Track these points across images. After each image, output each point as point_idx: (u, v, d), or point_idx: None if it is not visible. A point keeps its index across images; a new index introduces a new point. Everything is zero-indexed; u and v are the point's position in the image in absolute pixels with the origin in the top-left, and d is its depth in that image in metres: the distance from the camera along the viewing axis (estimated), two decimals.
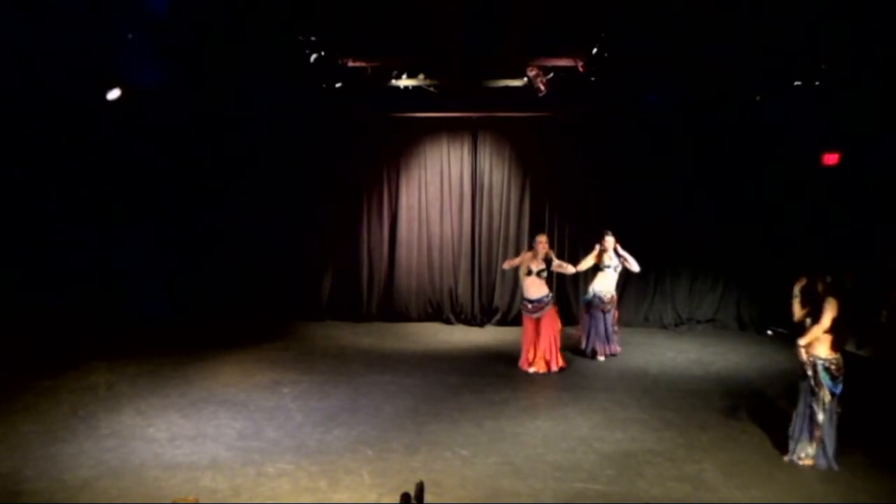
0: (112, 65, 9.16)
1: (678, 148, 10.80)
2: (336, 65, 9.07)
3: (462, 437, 6.65)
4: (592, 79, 9.07)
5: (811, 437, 5.97)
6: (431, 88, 10.04)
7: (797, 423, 6.07)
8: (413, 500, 3.68)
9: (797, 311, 6.33)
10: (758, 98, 9.96)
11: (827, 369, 5.86)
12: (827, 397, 5.88)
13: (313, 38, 8.56)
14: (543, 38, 8.35)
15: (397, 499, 3.69)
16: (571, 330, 10.04)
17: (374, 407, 7.42)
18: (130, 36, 8.77)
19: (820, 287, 6.00)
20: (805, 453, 6.00)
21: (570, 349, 9.63)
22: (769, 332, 10.70)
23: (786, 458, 6.12)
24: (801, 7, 7.58)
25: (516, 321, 11.02)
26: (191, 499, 4.36)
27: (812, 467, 5.97)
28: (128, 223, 11.07)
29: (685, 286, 11.20)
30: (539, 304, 8.64)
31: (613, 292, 9.31)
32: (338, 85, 9.49)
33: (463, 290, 11.46)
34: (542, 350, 8.68)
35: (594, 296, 9.21)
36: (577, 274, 9.51)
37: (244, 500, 5.39)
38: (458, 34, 7.89)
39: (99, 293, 10.64)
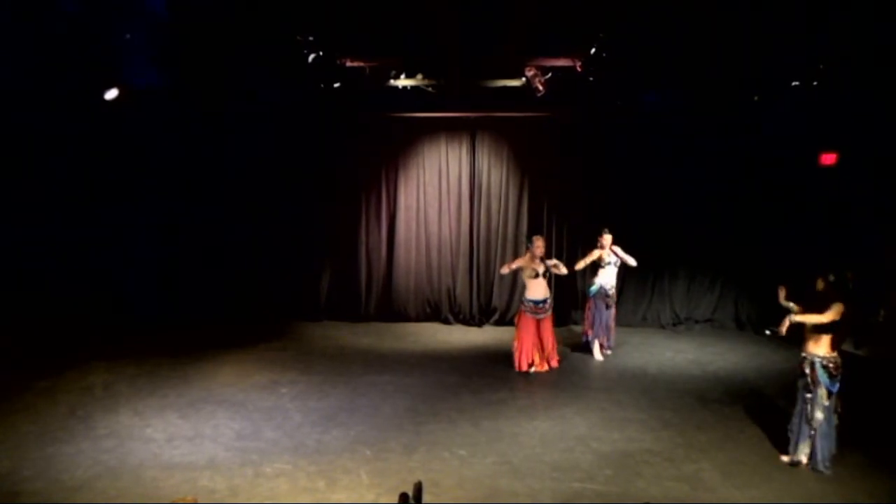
0: (110, 65, 9.16)
1: (676, 148, 10.80)
2: (334, 65, 9.07)
3: (460, 437, 6.65)
4: (591, 79, 9.08)
5: (808, 437, 5.97)
6: (430, 88, 10.04)
7: (796, 422, 6.07)
8: (411, 501, 3.68)
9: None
10: (756, 98, 9.97)
11: (825, 367, 5.86)
12: (825, 395, 5.88)
13: (311, 38, 8.56)
14: (542, 38, 8.36)
15: (395, 499, 3.69)
16: (576, 328, 10.07)
17: (372, 407, 7.43)
18: (129, 36, 8.77)
19: (821, 285, 5.97)
20: (805, 454, 6.00)
21: (572, 345, 9.66)
22: (767, 332, 10.70)
23: (785, 459, 6.12)
24: (799, 7, 7.59)
25: (514, 321, 11.05)
26: (189, 499, 4.36)
27: (810, 468, 5.98)
28: (126, 223, 11.06)
29: (683, 286, 11.21)
30: (543, 305, 8.68)
31: (615, 286, 9.45)
32: (336, 85, 9.49)
33: (461, 290, 11.46)
34: (547, 350, 8.76)
35: (600, 287, 9.32)
36: (572, 273, 9.54)
37: (242, 500, 5.39)
38: (456, 34, 7.89)
39: (97, 293, 10.64)
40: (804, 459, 6.00)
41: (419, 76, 9.70)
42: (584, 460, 6.14)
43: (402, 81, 9.77)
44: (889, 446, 6.42)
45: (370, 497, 5.45)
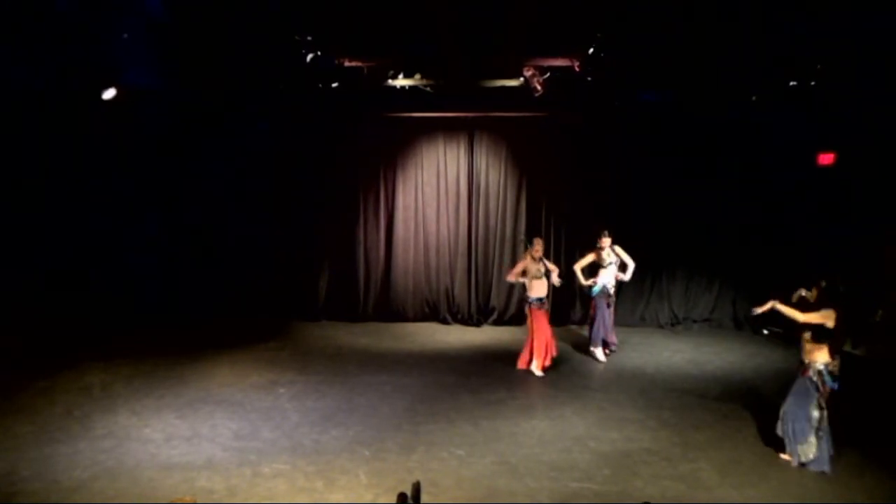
0: (108, 65, 9.15)
1: (674, 148, 10.81)
2: (332, 65, 9.07)
3: (458, 436, 6.65)
4: (589, 79, 9.08)
5: (815, 437, 5.98)
6: (428, 88, 10.03)
7: (796, 426, 6.06)
8: (409, 501, 3.69)
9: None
10: (754, 98, 9.98)
11: (830, 372, 5.97)
12: (826, 396, 5.96)
13: (309, 38, 8.56)
14: (540, 38, 8.36)
15: (394, 499, 3.69)
16: (573, 328, 10.06)
17: (370, 407, 7.42)
18: (126, 36, 8.76)
19: (814, 293, 6.09)
20: (812, 453, 5.99)
21: (572, 345, 9.64)
22: (765, 332, 10.73)
23: (785, 457, 6.11)
24: (797, 7, 7.60)
25: (513, 321, 11.07)
26: (187, 499, 4.36)
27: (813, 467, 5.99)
28: (124, 223, 11.04)
29: (681, 286, 11.22)
30: (545, 301, 8.69)
31: (614, 285, 9.47)
32: (334, 85, 9.49)
33: (459, 290, 11.46)
34: (552, 347, 8.73)
35: (603, 286, 9.33)
36: (568, 273, 9.55)
37: (240, 501, 5.39)
38: (454, 34, 7.89)
39: (95, 293, 10.62)
40: (812, 456, 5.98)
41: (417, 76, 9.69)
42: (582, 460, 6.15)
43: (401, 81, 9.77)
44: (886, 446, 6.43)
45: (368, 497, 5.45)
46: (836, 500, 5.48)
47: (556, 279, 8.66)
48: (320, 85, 9.55)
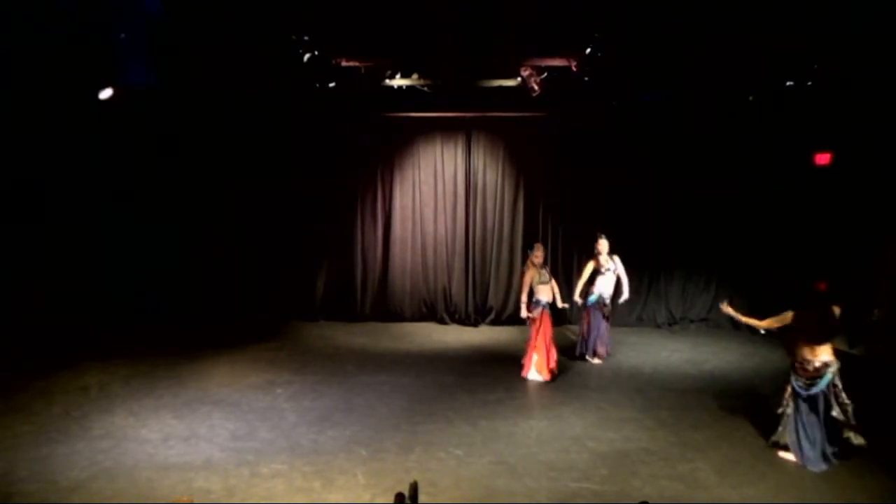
0: (105, 64, 9.14)
1: (671, 148, 10.82)
2: (329, 64, 9.07)
3: (457, 436, 6.65)
4: (586, 79, 9.09)
5: (839, 437, 6.03)
6: (425, 88, 10.04)
7: (811, 433, 6.04)
8: (407, 501, 3.69)
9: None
10: (750, 98, 10.00)
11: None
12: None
13: (306, 38, 8.56)
14: (537, 38, 8.37)
15: (392, 499, 3.69)
16: (572, 326, 10.04)
17: (368, 407, 7.42)
18: (123, 35, 8.75)
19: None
20: (833, 453, 6.03)
21: (575, 346, 9.58)
22: (762, 332, 10.69)
23: (785, 457, 6.12)
24: (794, 7, 7.63)
25: (510, 321, 11.06)
26: (185, 499, 4.36)
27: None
28: (122, 223, 11.02)
29: (679, 286, 11.23)
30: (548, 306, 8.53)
31: (611, 293, 9.28)
32: (331, 84, 9.48)
33: (457, 289, 11.46)
34: (554, 352, 8.53)
35: (599, 296, 9.16)
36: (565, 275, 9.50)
37: (238, 501, 5.38)
38: (452, 34, 7.90)
39: (93, 293, 10.60)
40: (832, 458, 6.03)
41: (415, 76, 9.69)
42: (580, 460, 6.15)
43: (398, 81, 9.78)
44: (884, 445, 6.43)
45: (366, 497, 5.44)
46: (835, 500, 5.48)
47: (559, 303, 8.53)
48: (317, 85, 9.56)
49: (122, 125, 10.54)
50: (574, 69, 9.04)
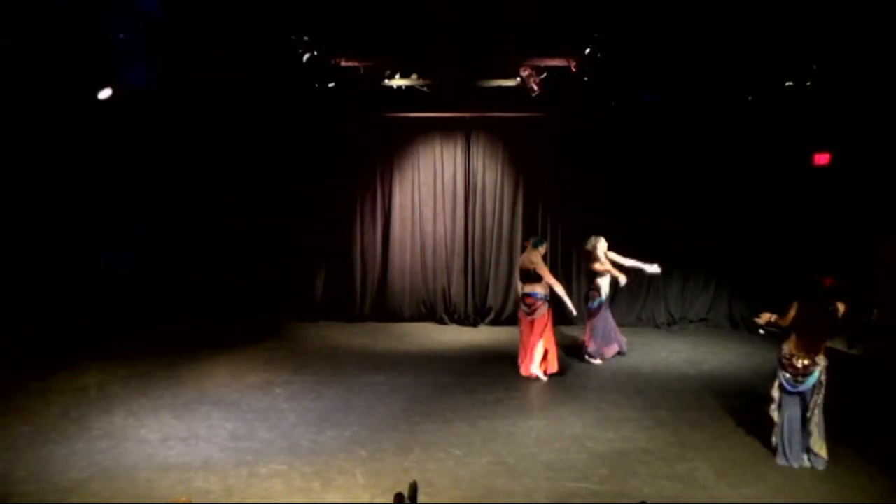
0: (104, 64, 9.13)
1: (670, 148, 10.82)
2: (329, 64, 9.07)
3: (455, 436, 6.65)
4: (585, 79, 9.09)
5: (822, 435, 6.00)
6: (425, 88, 10.04)
7: (795, 428, 6.05)
8: (406, 501, 3.69)
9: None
10: (749, 98, 10.00)
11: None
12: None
13: (306, 38, 8.56)
14: (537, 38, 8.38)
15: (391, 499, 3.69)
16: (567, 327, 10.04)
17: (367, 407, 7.42)
18: (122, 36, 8.75)
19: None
20: (823, 452, 6.00)
21: (574, 346, 9.57)
22: (761, 332, 10.67)
23: (791, 464, 6.10)
24: (794, 7, 7.63)
25: (510, 321, 11.05)
26: (184, 499, 4.36)
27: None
28: (121, 223, 11.02)
29: (678, 286, 11.22)
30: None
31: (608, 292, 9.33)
32: (331, 85, 9.48)
33: (456, 289, 11.46)
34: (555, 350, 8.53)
35: (606, 297, 9.18)
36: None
37: (237, 501, 5.38)
38: (451, 34, 7.90)
39: (92, 293, 10.59)
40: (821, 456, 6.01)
41: (414, 76, 9.70)
42: (579, 460, 6.15)
43: (397, 81, 9.78)
44: (883, 445, 6.44)
45: (365, 497, 5.44)
46: (833, 500, 5.48)
47: (571, 309, 8.45)
48: (316, 85, 9.55)
49: (122, 125, 10.53)
50: (574, 69, 9.04)
